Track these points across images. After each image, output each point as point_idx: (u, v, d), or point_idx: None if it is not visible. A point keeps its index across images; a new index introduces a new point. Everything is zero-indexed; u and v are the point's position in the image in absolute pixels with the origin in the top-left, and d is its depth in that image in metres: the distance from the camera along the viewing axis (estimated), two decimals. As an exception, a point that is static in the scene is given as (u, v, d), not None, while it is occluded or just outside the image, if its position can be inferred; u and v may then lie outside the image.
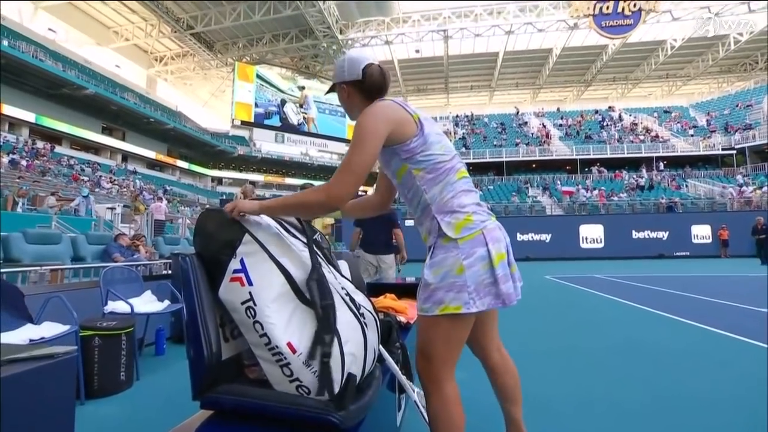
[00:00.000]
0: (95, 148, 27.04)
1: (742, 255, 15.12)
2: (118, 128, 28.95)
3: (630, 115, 30.61)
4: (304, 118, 37.32)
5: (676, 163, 24.81)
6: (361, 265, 3.75)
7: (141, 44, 32.42)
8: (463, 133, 31.02)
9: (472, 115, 34.52)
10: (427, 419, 1.31)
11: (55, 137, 23.46)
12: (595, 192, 21.43)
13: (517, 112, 33.85)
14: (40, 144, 20.93)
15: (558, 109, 34.79)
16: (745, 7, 25.66)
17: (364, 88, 1.15)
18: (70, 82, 22.25)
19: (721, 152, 24.36)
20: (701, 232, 17.08)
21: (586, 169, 25.44)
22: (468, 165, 26.10)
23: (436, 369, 1.09)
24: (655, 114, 30.66)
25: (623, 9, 24.53)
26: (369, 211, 1.39)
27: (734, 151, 23.97)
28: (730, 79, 36.17)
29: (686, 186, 22.11)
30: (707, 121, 27.97)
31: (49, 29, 25.50)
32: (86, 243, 4.42)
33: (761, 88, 28.11)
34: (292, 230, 1.12)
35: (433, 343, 1.08)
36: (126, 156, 29.12)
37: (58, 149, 22.64)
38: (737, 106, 27.86)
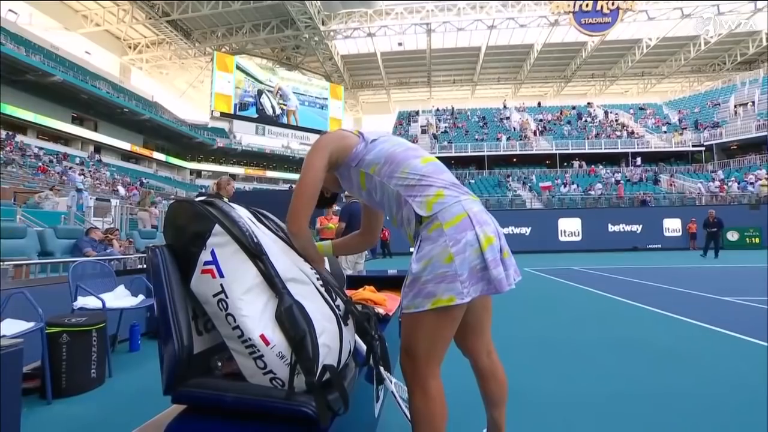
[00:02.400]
0: (65, 139, 25.85)
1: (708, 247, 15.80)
2: (90, 118, 27.73)
3: (607, 111, 31.43)
4: (283, 110, 36.65)
5: (650, 158, 25.68)
6: (342, 258, 3.74)
7: (113, 30, 31.05)
8: (445, 127, 31.17)
9: (453, 108, 34.68)
10: (404, 410, 1.32)
11: (19, 126, 22.24)
12: (571, 188, 21.96)
13: (504, 106, 34.15)
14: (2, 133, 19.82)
15: (539, 104, 35.34)
16: (715, 9, 26.66)
17: None
18: (34, 68, 21.09)
19: (691, 149, 25.36)
20: (672, 226, 17.79)
21: (565, 164, 26.03)
22: (449, 158, 26.42)
23: (420, 367, 1.05)
24: (631, 111, 31.60)
25: (602, 7, 25.09)
26: (354, 248, 1.40)
27: (703, 148, 24.99)
28: (700, 78, 37.62)
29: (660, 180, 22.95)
30: (679, 118, 29.01)
31: (10, 11, 24.01)
32: (55, 237, 4.24)
33: (728, 88, 29.33)
34: (266, 222, 1.10)
35: (418, 341, 1.04)
36: (99, 147, 27.97)
37: (23, 139, 21.48)
38: (707, 104, 29.00)
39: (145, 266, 4.07)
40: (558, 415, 1.79)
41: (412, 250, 1.12)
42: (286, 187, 34.05)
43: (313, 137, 41.40)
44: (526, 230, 18.18)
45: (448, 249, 0.96)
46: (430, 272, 0.97)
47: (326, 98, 38.46)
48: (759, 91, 26.08)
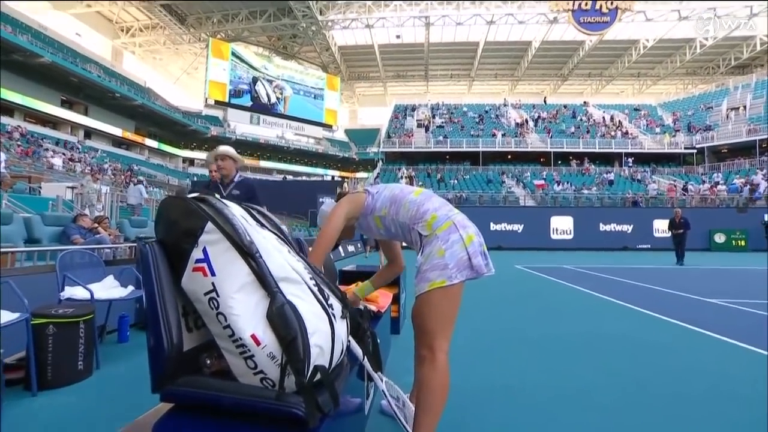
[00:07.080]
0: (53, 122, 25.28)
1: (695, 248, 16.12)
2: (80, 102, 27.15)
3: (602, 111, 31.58)
4: (278, 98, 36.15)
5: (643, 159, 25.91)
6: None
7: (105, 12, 30.33)
8: (442, 122, 31.10)
9: (443, 103, 34.52)
10: (394, 408, 1.33)
11: (5, 108, 21.63)
12: (565, 186, 22.09)
13: (505, 102, 34.07)
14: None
15: (545, 100, 35.27)
16: (712, 11, 26.82)
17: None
18: (21, 48, 20.49)
19: (683, 151, 25.64)
20: (662, 227, 18.03)
21: (559, 162, 26.16)
22: (444, 153, 26.40)
23: (430, 338, 1.31)
24: (626, 111, 31.80)
25: (601, 6, 25.09)
26: (389, 277, 1.71)
27: (695, 151, 25.28)
28: (694, 81, 37.92)
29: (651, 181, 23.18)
30: (673, 120, 29.27)
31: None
32: (42, 224, 4.16)
33: (721, 92, 29.62)
34: (261, 219, 1.08)
35: (426, 316, 1.32)
36: (89, 132, 27.44)
37: (8, 121, 20.90)
38: (700, 107, 29.27)
39: (134, 256, 4.02)
40: (544, 409, 1.82)
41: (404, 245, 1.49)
42: (279, 177, 33.79)
43: (309, 128, 40.65)
44: (518, 227, 18.31)
45: (440, 247, 1.30)
46: (428, 263, 1.30)
47: (322, 88, 38.07)
48: (751, 95, 26.39)
